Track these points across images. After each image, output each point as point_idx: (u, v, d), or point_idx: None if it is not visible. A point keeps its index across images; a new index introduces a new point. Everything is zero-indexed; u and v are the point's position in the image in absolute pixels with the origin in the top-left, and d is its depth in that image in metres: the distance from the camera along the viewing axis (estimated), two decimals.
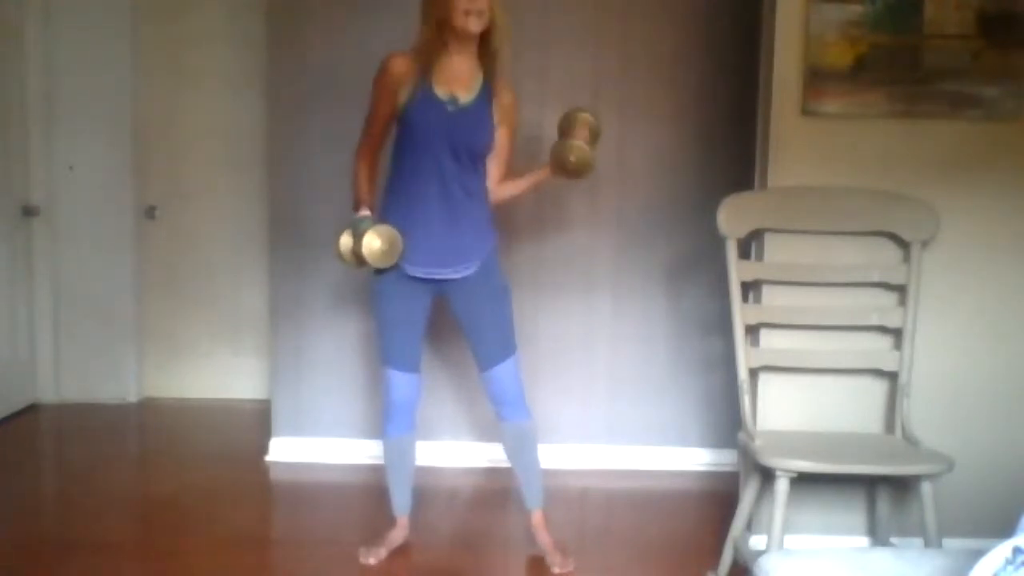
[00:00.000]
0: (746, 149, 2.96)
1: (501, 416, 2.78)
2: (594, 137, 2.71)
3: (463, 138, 2.59)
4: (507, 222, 3.47)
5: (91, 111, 4.45)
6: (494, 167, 2.74)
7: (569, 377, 3.70)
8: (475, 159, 2.65)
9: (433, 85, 2.58)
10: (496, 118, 2.67)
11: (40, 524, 3.15)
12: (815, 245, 2.67)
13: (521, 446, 2.80)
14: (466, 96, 2.61)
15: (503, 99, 2.68)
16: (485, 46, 2.60)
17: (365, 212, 2.62)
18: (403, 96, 2.60)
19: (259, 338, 4.56)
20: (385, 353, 2.74)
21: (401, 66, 2.59)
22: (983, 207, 2.69)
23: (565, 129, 2.71)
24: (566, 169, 2.67)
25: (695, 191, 3.55)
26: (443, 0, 2.50)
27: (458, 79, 2.60)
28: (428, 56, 2.57)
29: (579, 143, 2.64)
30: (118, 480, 3.56)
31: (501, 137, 2.71)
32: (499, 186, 2.76)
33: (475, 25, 2.50)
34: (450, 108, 2.58)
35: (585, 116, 2.70)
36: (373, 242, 2.53)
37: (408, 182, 2.64)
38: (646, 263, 3.67)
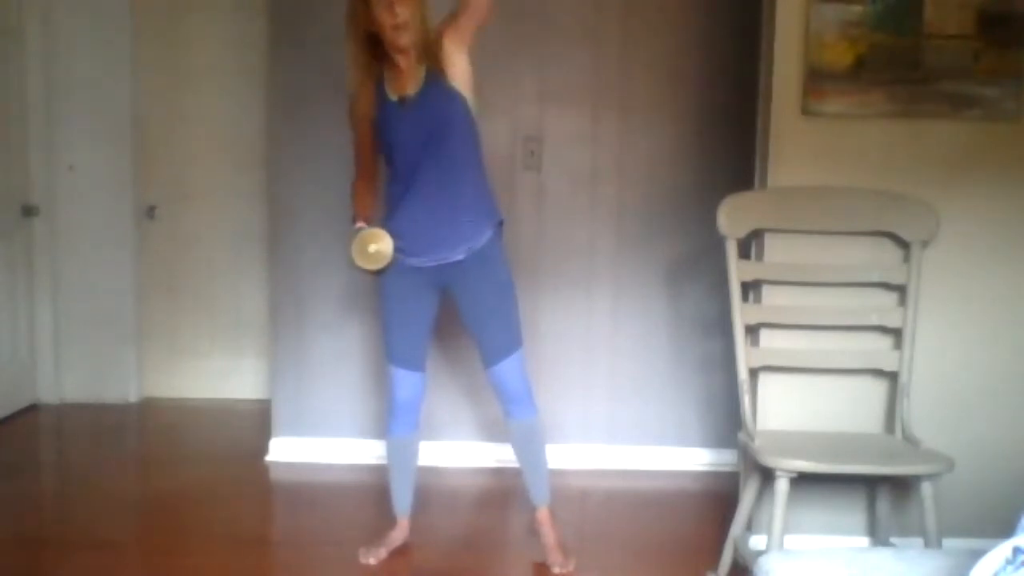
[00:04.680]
0: (746, 149, 2.96)
1: (508, 413, 2.78)
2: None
3: (424, 127, 2.61)
4: (508, 221, 3.46)
5: (91, 111, 4.46)
6: (463, 14, 2.58)
7: (569, 377, 3.70)
8: (450, 141, 2.63)
9: (386, 91, 2.66)
10: (455, 55, 2.58)
11: (40, 524, 3.15)
12: (815, 245, 2.67)
13: (528, 443, 2.80)
14: (413, 89, 2.62)
15: (443, 53, 2.58)
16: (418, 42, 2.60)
17: (360, 224, 2.70)
18: (372, 111, 2.68)
19: (259, 338, 4.56)
20: (389, 351, 2.76)
21: (362, 98, 2.70)
22: (983, 207, 2.69)
23: None
24: None
25: (695, 191, 3.55)
26: (369, 18, 2.55)
27: (405, 78, 2.63)
28: (371, 75, 2.66)
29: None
30: (118, 480, 3.56)
31: (457, 24, 2.57)
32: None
33: (404, 38, 2.54)
34: (401, 107, 2.62)
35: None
36: (360, 246, 2.63)
37: (394, 182, 2.71)
38: (646, 263, 3.67)
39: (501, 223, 2.76)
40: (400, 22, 2.52)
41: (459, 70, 2.62)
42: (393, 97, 2.64)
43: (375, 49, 2.63)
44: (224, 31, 4.57)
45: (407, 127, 2.62)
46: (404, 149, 2.64)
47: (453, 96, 2.63)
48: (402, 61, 2.62)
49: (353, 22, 2.62)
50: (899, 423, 2.61)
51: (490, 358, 2.73)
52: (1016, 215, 2.70)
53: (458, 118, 2.65)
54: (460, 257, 2.67)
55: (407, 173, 2.65)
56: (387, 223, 2.68)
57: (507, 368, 2.72)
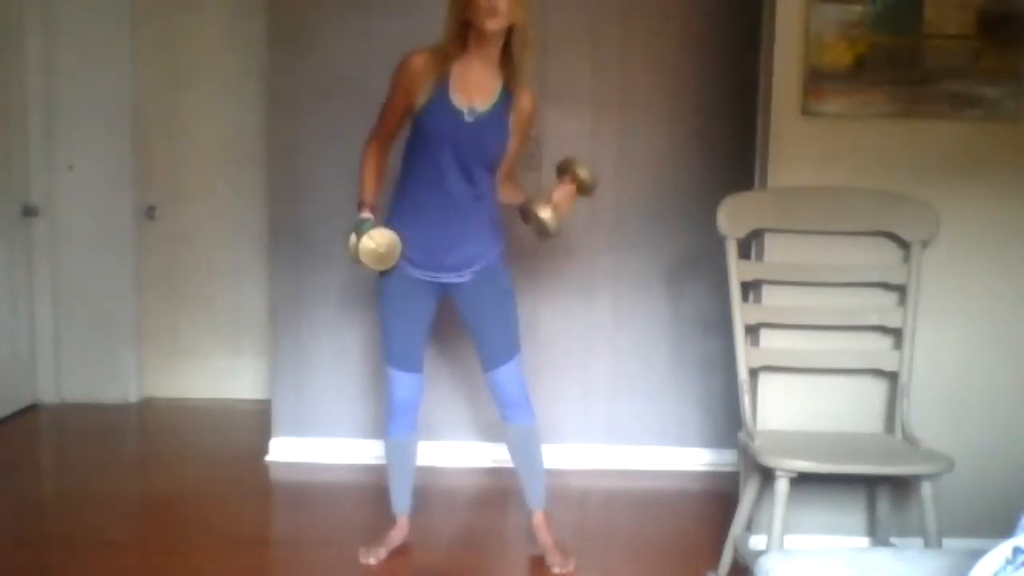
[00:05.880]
0: (746, 149, 2.96)
1: (505, 417, 2.78)
2: (586, 189, 2.67)
3: (476, 148, 2.57)
4: (507, 221, 3.47)
5: (91, 111, 4.45)
6: (507, 175, 2.75)
7: (569, 377, 3.70)
8: (489, 166, 2.63)
9: (450, 92, 2.56)
10: (512, 125, 2.64)
11: (40, 524, 3.15)
12: (815, 245, 2.67)
13: (524, 448, 2.80)
14: (484, 104, 2.57)
15: (522, 106, 2.64)
16: (507, 52, 2.57)
17: (367, 214, 2.63)
18: (420, 97, 2.56)
19: (259, 338, 4.56)
20: (387, 352, 2.75)
21: (419, 65, 2.56)
22: (983, 207, 2.69)
23: (559, 174, 2.68)
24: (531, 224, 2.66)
25: (695, 191, 3.55)
26: (465, 0, 2.47)
27: (477, 87, 2.57)
28: (447, 57, 2.54)
29: (545, 215, 2.59)
30: (118, 480, 3.56)
31: (511, 143, 2.68)
32: (499, 187, 2.75)
33: (492, 24, 2.45)
34: (467, 117, 2.55)
35: (575, 171, 2.64)
36: (369, 244, 2.57)
37: (416, 185, 2.64)
38: (646, 263, 3.66)
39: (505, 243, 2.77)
40: (495, 7, 2.42)
41: (513, 120, 2.63)
42: (456, 101, 2.54)
43: (461, 34, 2.53)
44: (224, 31, 4.57)
45: (461, 137, 2.55)
46: (445, 158, 2.56)
47: (508, 126, 2.62)
48: (478, 61, 2.54)
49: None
50: (899, 423, 2.61)
51: (489, 362, 2.72)
52: (1016, 215, 2.70)
53: (504, 147, 2.64)
54: (462, 280, 2.67)
55: (434, 181, 2.59)
56: (401, 224, 2.63)
57: (506, 373, 2.72)
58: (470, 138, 2.56)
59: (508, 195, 2.77)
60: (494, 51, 2.56)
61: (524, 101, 2.65)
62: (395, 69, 2.61)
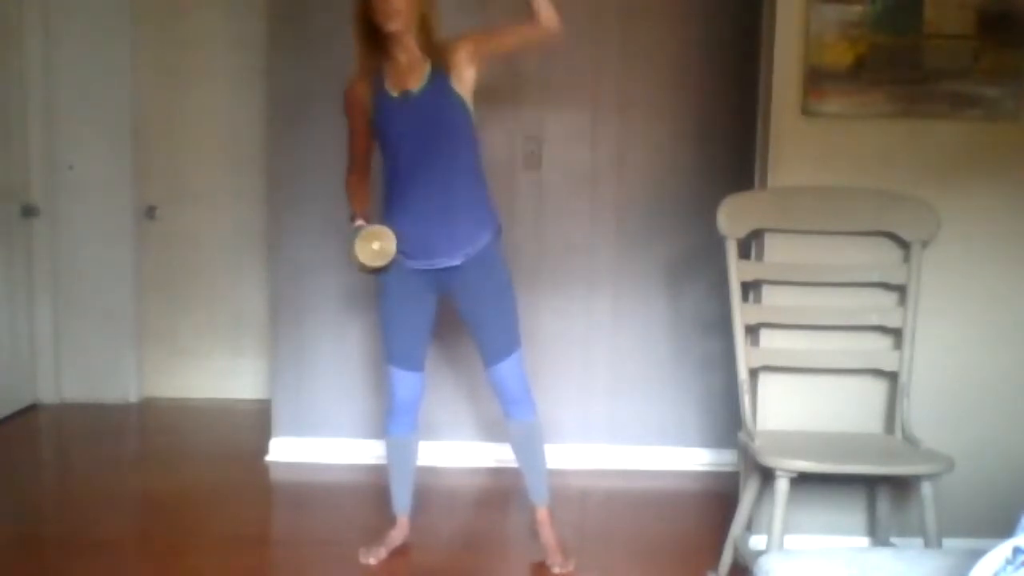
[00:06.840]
0: (746, 149, 2.96)
1: (507, 413, 2.78)
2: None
3: (429, 124, 2.62)
4: (508, 221, 3.47)
5: (91, 111, 4.46)
6: (510, 34, 2.67)
7: (569, 377, 3.70)
8: (450, 142, 2.65)
9: (387, 88, 2.65)
10: (461, 79, 2.64)
11: (40, 524, 3.15)
12: (815, 245, 2.67)
13: (527, 443, 2.81)
14: (417, 85, 2.63)
15: (454, 61, 2.63)
16: (420, 36, 2.63)
17: (360, 222, 2.69)
18: (369, 107, 2.68)
19: (259, 338, 4.56)
20: (387, 351, 2.76)
21: (359, 87, 2.70)
22: (983, 207, 2.69)
23: None
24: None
25: (695, 191, 3.55)
26: (363, 10, 2.58)
27: (406, 74, 2.64)
28: (370, 65, 2.66)
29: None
30: (118, 480, 3.56)
31: (483, 40, 2.65)
32: (531, 24, 2.60)
33: (394, 25, 2.56)
34: (404, 102, 2.62)
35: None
36: (363, 244, 2.62)
37: (394, 181, 2.70)
38: (646, 263, 3.67)
39: (500, 229, 2.76)
40: (391, 9, 2.53)
41: (466, 80, 2.65)
42: (393, 92, 2.64)
43: (375, 39, 2.63)
44: (224, 31, 4.57)
45: (407, 123, 2.62)
46: (402, 146, 2.64)
47: (456, 99, 2.64)
48: (401, 55, 2.62)
49: (354, 5, 2.63)
50: (899, 423, 2.61)
51: (489, 359, 2.73)
52: (1016, 215, 2.70)
53: (459, 120, 2.66)
54: (457, 263, 2.67)
55: (404, 172, 2.65)
56: (391, 221, 2.67)
57: (506, 369, 2.72)
58: (418, 118, 2.62)
59: (527, 25, 2.61)
60: (411, 41, 2.62)
61: (452, 55, 2.62)
62: (343, 101, 2.74)
